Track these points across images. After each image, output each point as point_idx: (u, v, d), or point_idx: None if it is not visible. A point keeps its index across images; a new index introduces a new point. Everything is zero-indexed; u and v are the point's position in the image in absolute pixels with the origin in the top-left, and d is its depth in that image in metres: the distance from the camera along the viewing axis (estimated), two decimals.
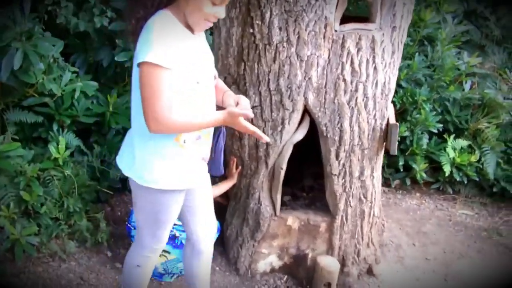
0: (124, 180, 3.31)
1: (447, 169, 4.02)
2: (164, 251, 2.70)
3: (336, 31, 2.57)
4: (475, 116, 4.23)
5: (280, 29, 2.55)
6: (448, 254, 3.50)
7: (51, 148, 2.86)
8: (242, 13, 2.62)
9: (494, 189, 4.18)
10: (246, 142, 2.82)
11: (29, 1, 2.37)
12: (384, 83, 2.74)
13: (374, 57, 2.65)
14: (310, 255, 2.93)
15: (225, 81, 2.81)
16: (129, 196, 3.54)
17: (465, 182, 4.16)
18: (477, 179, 4.14)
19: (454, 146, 4.06)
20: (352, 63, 2.61)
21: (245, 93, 2.71)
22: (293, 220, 2.89)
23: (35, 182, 2.76)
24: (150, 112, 1.80)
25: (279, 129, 2.70)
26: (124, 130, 3.42)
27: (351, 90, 2.66)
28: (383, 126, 2.81)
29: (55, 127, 2.99)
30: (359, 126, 2.72)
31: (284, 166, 2.76)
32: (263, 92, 2.67)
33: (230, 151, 2.94)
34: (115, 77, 3.39)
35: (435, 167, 4.23)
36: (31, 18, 2.48)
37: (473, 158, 4.03)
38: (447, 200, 4.23)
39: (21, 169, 2.69)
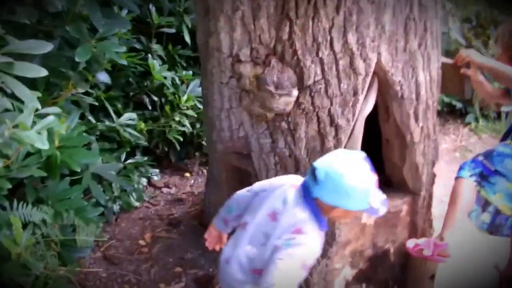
0: None
1: None
2: None
3: None
4: None
5: None
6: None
7: None
8: None
9: None
10: (302, 134, 2.00)
11: None
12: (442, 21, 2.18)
13: None
14: (391, 250, 2.32)
15: (254, 54, 1.93)
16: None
17: None
18: None
19: None
20: None
21: (297, 65, 1.89)
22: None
23: None
24: None
25: (350, 103, 1.96)
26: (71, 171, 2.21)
27: (420, 32, 2.03)
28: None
29: None
30: (430, 75, 2.13)
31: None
32: (325, 57, 1.87)
33: (271, 152, 2.10)
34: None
35: None
36: None
37: None
38: None
39: None
